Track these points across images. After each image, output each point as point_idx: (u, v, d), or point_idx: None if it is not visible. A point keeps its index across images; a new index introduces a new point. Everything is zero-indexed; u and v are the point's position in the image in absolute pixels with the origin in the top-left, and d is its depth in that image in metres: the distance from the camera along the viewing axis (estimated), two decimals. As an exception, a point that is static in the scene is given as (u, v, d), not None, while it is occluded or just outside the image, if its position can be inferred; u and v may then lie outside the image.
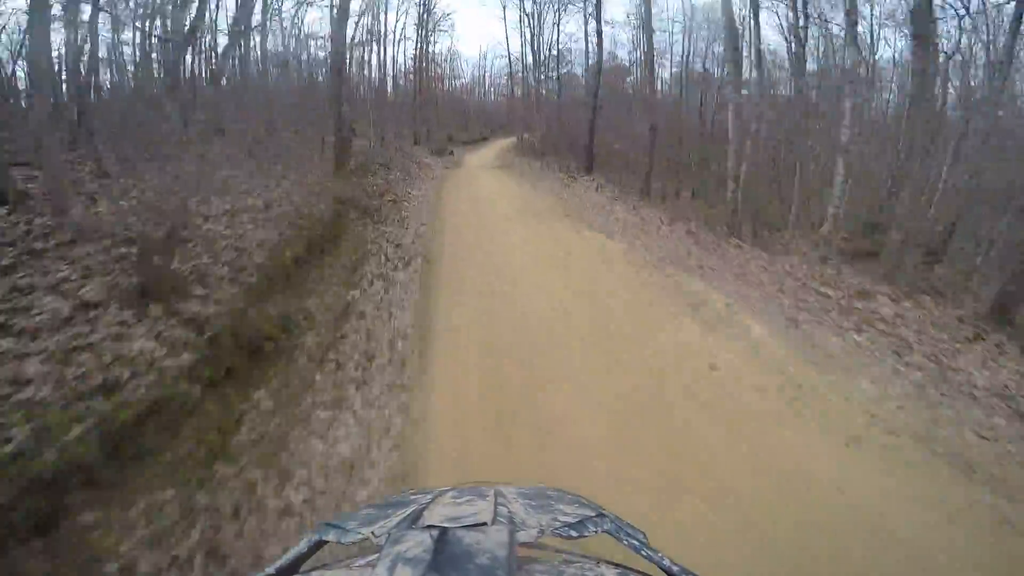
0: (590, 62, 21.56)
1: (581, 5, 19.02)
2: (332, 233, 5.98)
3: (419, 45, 22.75)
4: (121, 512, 2.37)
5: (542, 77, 22.87)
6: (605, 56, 22.14)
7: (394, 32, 22.40)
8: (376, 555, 0.41)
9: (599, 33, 14.57)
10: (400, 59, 23.52)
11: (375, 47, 19.68)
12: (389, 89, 25.34)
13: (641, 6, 16.96)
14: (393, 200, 9.84)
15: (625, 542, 0.50)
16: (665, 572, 0.48)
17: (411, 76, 23.74)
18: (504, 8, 22.93)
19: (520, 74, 24.90)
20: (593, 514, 0.52)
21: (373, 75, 20.95)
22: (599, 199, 10.86)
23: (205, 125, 12.55)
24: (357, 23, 17.80)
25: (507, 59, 26.46)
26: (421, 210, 9.47)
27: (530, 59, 22.21)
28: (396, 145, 19.55)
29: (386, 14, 18.83)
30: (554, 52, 21.50)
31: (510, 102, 29.80)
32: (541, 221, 8.64)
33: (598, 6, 14.40)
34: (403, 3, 26.93)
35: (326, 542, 0.52)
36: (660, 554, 0.50)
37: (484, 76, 34.06)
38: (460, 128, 28.63)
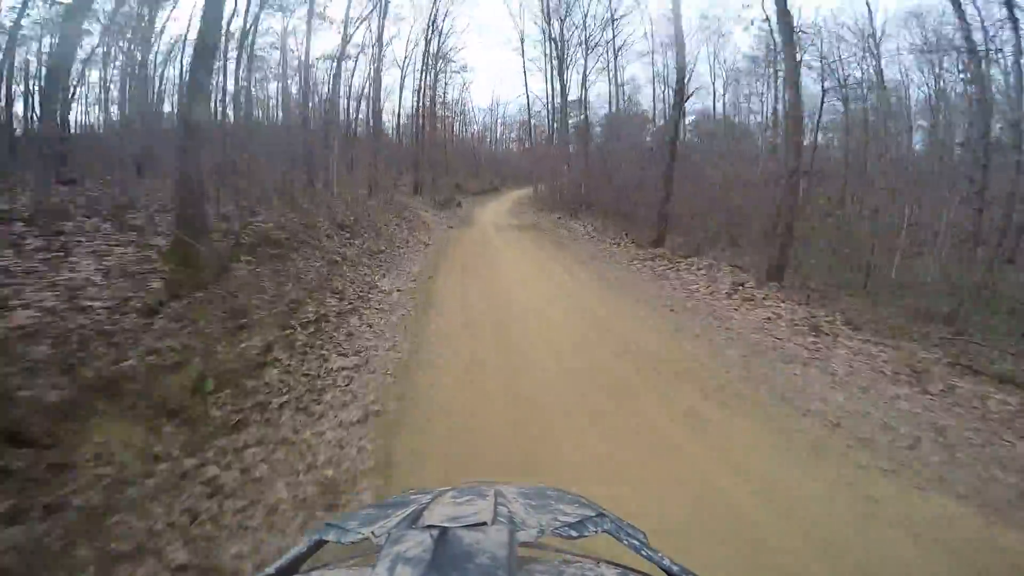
0: (616, 104, 16.97)
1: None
2: None
3: (425, 74, 18.42)
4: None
5: (571, 120, 18.33)
6: (623, 104, 17.71)
7: (402, 66, 18.17)
8: (376, 555, 0.40)
9: (679, 39, 9.75)
10: (407, 97, 19.21)
11: (371, 65, 15.16)
12: (390, 129, 21.05)
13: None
14: (321, 318, 4.54)
15: (625, 542, 0.49)
16: (665, 572, 0.47)
17: (418, 113, 19.31)
18: (522, 41, 18.75)
19: (542, 112, 20.51)
20: (593, 514, 0.51)
21: (357, 103, 16.41)
22: (748, 312, 5.50)
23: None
24: (352, 34, 13.38)
25: (525, 98, 22.26)
26: (379, 350, 4.12)
27: (557, 96, 17.70)
28: (388, 195, 14.73)
29: (383, 20, 14.33)
30: (578, 95, 17.04)
31: (526, 148, 25.66)
32: (696, 422, 3.22)
33: (677, 3, 9.64)
34: (411, 28, 23.00)
35: (326, 542, 0.51)
36: (660, 554, 0.48)
37: (496, 123, 30.41)
38: (470, 176, 24.63)
